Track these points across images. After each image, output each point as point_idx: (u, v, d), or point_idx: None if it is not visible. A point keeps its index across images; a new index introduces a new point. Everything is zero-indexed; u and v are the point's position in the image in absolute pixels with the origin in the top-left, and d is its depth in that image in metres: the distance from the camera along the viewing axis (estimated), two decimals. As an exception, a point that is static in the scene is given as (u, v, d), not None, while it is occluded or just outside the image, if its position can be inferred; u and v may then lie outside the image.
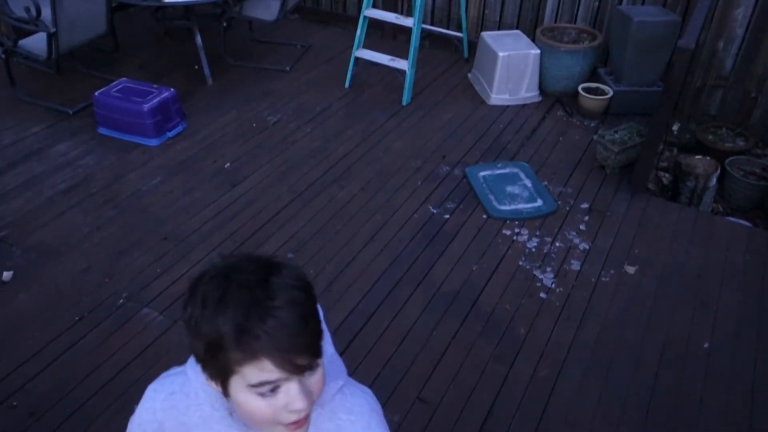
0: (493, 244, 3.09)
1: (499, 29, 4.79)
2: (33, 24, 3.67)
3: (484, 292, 2.82)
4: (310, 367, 0.86)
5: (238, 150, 3.75)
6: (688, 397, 2.38)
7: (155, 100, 3.72)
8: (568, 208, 3.36)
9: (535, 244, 3.10)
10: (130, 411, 1.10)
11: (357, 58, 4.41)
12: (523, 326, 2.65)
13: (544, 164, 3.72)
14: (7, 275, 2.78)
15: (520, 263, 2.98)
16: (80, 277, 2.80)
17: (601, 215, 3.32)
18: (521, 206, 3.33)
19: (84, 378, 2.34)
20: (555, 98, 4.40)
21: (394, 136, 3.95)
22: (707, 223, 3.31)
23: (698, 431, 2.26)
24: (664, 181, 3.79)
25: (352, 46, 4.41)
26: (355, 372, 2.35)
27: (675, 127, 4.20)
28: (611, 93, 4.16)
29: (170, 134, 3.82)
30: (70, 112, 3.99)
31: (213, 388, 0.91)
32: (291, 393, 0.85)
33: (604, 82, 4.26)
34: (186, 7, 4.40)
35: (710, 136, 4.00)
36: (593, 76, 4.41)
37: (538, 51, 4.27)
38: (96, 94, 3.79)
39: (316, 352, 0.87)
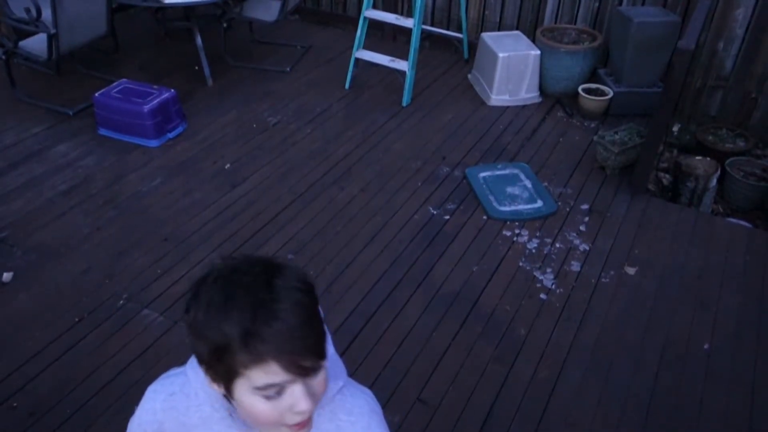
0: (493, 245, 3.09)
1: (499, 30, 4.79)
2: (33, 25, 3.67)
3: (484, 293, 2.82)
4: (316, 369, 0.87)
5: (239, 151, 3.75)
6: (688, 399, 2.38)
7: (155, 101, 3.72)
8: (568, 209, 3.36)
9: (536, 245, 3.10)
10: (130, 412, 1.10)
11: (357, 59, 4.41)
12: (523, 327, 2.65)
13: (545, 165, 3.72)
14: (7, 276, 2.78)
15: (521, 264, 2.99)
16: (80, 278, 2.80)
17: (601, 216, 3.32)
18: (521, 207, 3.33)
19: (84, 379, 2.34)
20: (555, 99, 4.40)
21: (394, 137, 3.95)
22: (707, 224, 3.31)
23: (698, 432, 2.27)
24: (664, 181, 3.79)
25: (352, 47, 4.41)
26: (355, 373, 2.36)
27: (675, 128, 4.20)
28: (611, 94, 4.16)
29: (170, 135, 3.82)
30: (71, 113, 3.99)
31: (214, 389, 0.91)
32: (296, 395, 0.86)
33: (604, 83, 4.27)
34: (186, 8, 4.41)
35: (710, 137, 4.00)
36: (593, 76, 4.41)
37: (538, 52, 4.27)
38: (96, 95, 3.79)
39: (321, 354, 0.87)
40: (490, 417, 2.28)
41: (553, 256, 3.04)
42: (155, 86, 3.88)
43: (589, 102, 4.17)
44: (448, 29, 5.02)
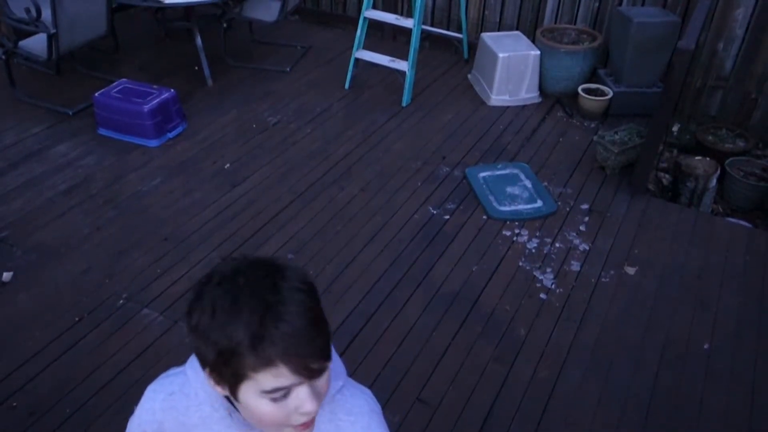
0: (493, 245, 3.09)
1: (499, 30, 4.80)
2: (33, 25, 3.67)
3: (484, 292, 2.82)
4: (322, 371, 0.87)
5: (238, 151, 3.75)
6: (688, 398, 2.38)
7: (155, 101, 3.72)
8: (568, 209, 3.36)
9: (535, 245, 3.10)
10: (130, 411, 1.10)
11: (357, 59, 4.41)
12: (523, 327, 2.65)
13: (544, 165, 3.72)
14: (7, 276, 2.78)
15: (520, 264, 2.99)
16: (80, 278, 2.80)
17: (601, 216, 3.32)
18: (521, 207, 3.33)
19: (84, 378, 2.35)
20: (555, 99, 4.40)
21: (394, 137, 3.95)
22: (707, 224, 3.31)
23: (698, 432, 2.27)
24: (664, 181, 3.79)
25: (352, 47, 4.41)
26: (355, 372, 2.36)
27: (675, 128, 4.20)
28: (611, 94, 4.16)
29: (170, 135, 3.82)
30: (71, 113, 3.99)
31: (215, 390, 0.91)
32: (301, 396, 0.85)
33: (604, 83, 4.27)
34: (186, 8, 4.41)
35: (710, 137, 4.00)
36: (593, 77, 4.41)
37: (538, 52, 4.27)
38: (96, 94, 3.80)
39: (328, 355, 0.87)
40: (490, 417, 2.28)
41: (553, 256, 3.04)
42: (155, 86, 3.88)
43: (589, 102, 4.17)
44: (448, 29, 5.02)
